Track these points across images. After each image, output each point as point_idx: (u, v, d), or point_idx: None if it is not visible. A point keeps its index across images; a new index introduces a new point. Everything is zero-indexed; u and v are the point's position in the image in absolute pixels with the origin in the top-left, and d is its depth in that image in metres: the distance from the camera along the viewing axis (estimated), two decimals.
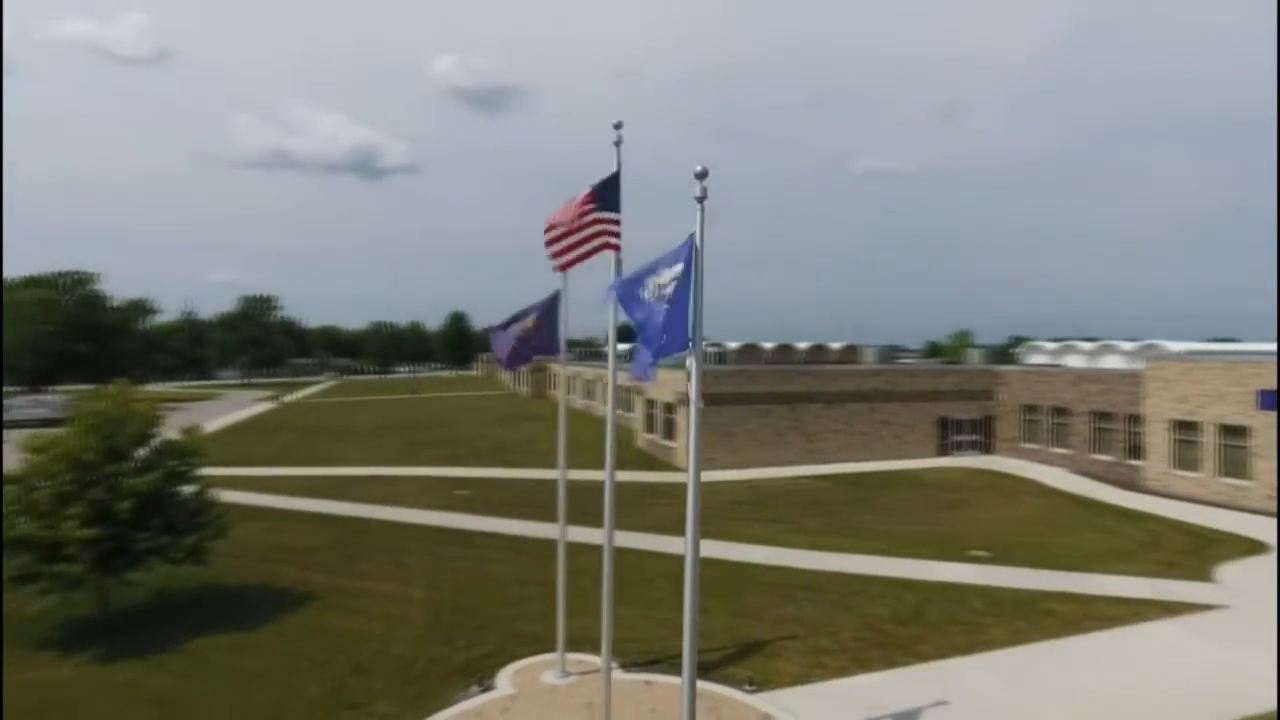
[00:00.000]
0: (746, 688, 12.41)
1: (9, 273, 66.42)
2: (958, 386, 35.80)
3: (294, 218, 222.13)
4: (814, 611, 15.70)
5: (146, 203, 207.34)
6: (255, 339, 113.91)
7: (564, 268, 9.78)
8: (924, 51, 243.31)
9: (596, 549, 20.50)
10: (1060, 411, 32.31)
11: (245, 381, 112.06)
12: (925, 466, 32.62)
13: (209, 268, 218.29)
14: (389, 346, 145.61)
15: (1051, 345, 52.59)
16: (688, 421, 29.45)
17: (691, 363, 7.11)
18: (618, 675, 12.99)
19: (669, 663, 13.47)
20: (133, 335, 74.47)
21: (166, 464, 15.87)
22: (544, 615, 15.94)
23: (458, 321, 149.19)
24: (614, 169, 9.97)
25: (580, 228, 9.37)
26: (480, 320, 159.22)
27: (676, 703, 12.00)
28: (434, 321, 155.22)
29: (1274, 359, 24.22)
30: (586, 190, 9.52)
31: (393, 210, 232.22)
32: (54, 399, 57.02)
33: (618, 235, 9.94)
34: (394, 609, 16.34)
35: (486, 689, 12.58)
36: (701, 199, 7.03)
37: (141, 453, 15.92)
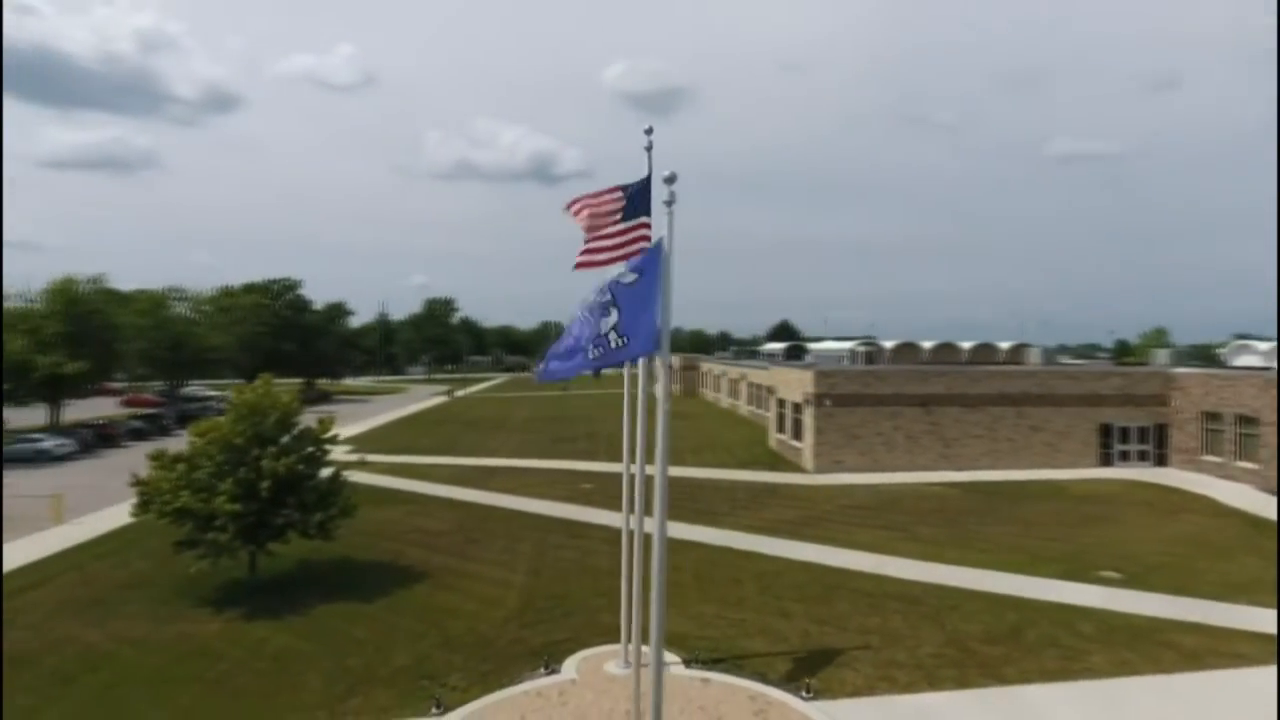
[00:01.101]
0: (803, 694, 12.21)
1: (237, 280, 76.52)
2: (1123, 390, 32.27)
3: (479, 224, 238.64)
4: (900, 623, 15.07)
5: (355, 215, 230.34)
6: (437, 337, 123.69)
7: (580, 266, 10.09)
8: (1126, 17, 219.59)
9: (698, 546, 20.91)
10: (1247, 420, 28.29)
11: (428, 377, 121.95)
12: (1079, 477, 29.78)
13: (407, 272, 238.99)
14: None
15: (1265, 345, 45.92)
16: (814, 421, 29.00)
17: (659, 366, 7.27)
18: (677, 671, 13.25)
19: (733, 662, 13.52)
20: (331, 335, 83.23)
21: (303, 449, 17.90)
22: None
23: None
24: (646, 174, 10.25)
25: (608, 235, 9.70)
26: None
27: (727, 701, 12.14)
28: None
29: None
30: (615, 195, 9.82)
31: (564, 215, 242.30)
32: None
33: (649, 239, 10.19)
34: (493, 591, 17.49)
35: (553, 672, 13.24)
36: (670, 203, 7.18)
37: (285, 439, 18.04)
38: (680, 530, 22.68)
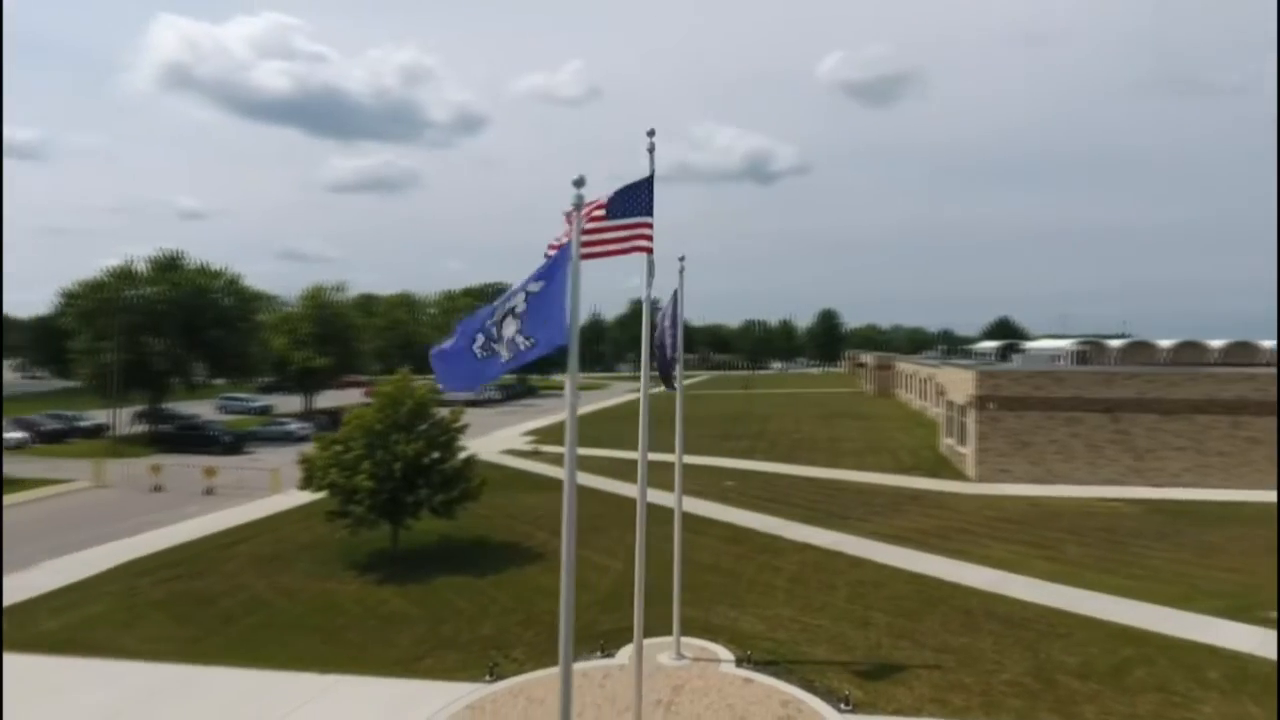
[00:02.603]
0: (841, 706, 11.79)
1: (466, 284, 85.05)
2: None
3: (696, 225, 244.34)
4: (988, 646, 13.88)
5: None
6: (640, 337, 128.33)
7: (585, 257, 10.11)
8: None
9: (809, 548, 20.45)
10: None
11: (634, 374, 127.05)
12: None
13: (627, 274, 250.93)
14: (759, 343, 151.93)
15: None
16: (977, 426, 27.23)
17: (571, 364, 7.64)
18: (726, 669, 13.37)
19: (786, 666, 13.30)
20: None
21: (433, 436, 19.95)
22: (709, 601, 16.74)
23: (827, 319, 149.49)
24: (648, 172, 10.52)
25: (590, 233, 9.96)
26: (851, 318, 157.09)
27: (759, 703, 12.08)
28: (805, 318, 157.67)
29: None
30: (600, 201, 10.11)
31: (782, 212, 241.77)
32: None
33: (650, 239, 10.44)
34: (590, 576, 18.41)
35: (608, 656, 13.87)
36: (578, 207, 7.53)
37: (423, 426, 20.22)
38: (798, 532, 22.27)
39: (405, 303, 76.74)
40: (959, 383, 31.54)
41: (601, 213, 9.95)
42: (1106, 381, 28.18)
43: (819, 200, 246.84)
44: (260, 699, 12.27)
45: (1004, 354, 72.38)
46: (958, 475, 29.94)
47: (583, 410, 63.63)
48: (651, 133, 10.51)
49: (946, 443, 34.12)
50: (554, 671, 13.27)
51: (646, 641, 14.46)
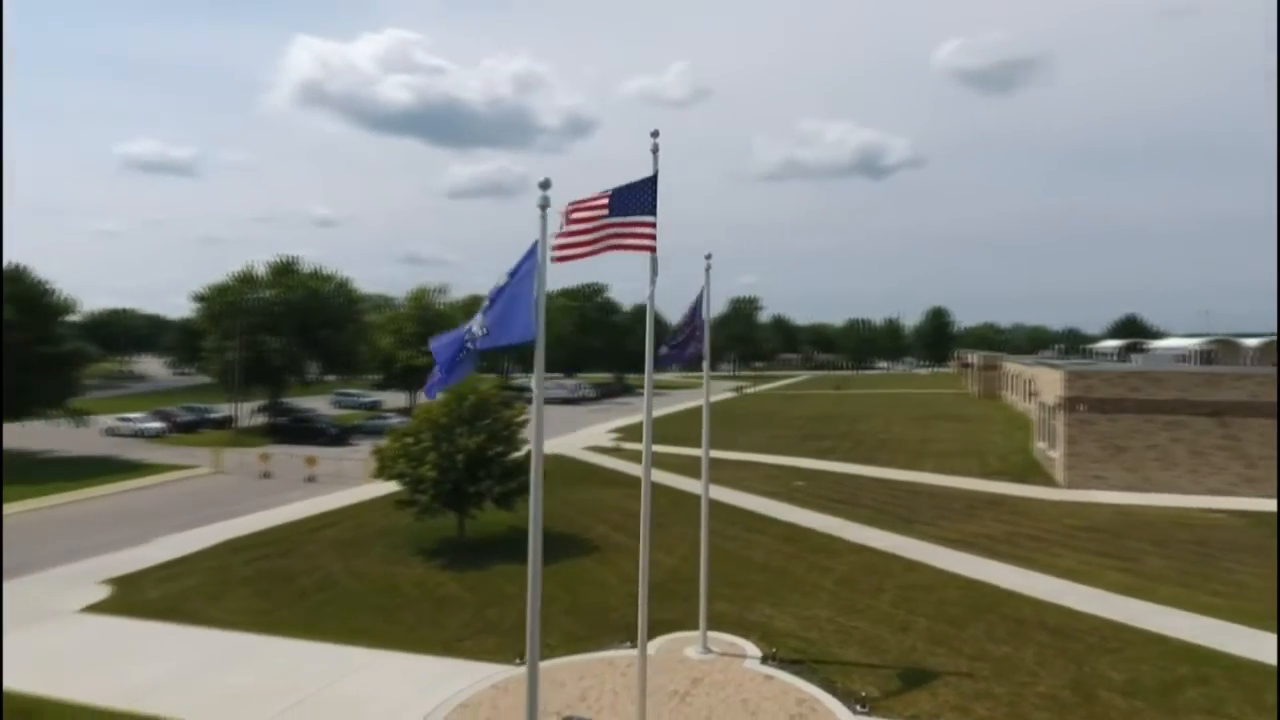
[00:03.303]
0: (857, 708, 11.67)
1: (564, 286, 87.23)
2: None
3: (805, 222, 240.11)
4: (1030, 657, 13.31)
5: (689, 220, 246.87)
6: (740, 335, 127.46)
7: (559, 260, 10.34)
8: None
9: (865, 550, 20.07)
10: None
11: (732, 374, 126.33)
12: None
13: (735, 273, 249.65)
14: (863, 343, 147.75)
15: None
16: (1066, 429, 26.05)
17: (538, 359, 8.00)
18: (749, 665, 13.43)
19: (811, 665, 13.23)
20: (638, 333, 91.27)
21: (495, 430, 20.84)
22: (749, 598, 16.83)
23: (938, 317, 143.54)
24: (652, 172, 10.78)
25: (589, 230, 10.27)
26: (968, 317, 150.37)
27: (773, 700, 12.16)
28: (918, 316, 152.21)
29: None
30: (603, 196, 10.39)
31: (895, 207, 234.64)
32: (571, 383, 73.88)
33: (652, 237, 10.68)
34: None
35: (634, 647, 14.18)
36: (544, 207, 7.90)
37: (486, 421, 21.17)
38: (858, 533, 21.87)
39: None
40: (1049, 383, 29.89)
41: (604, 211, 10.27)
42: (1212, 382, 25.98)
43: (935, 194, 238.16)
44: (309, 668, 13.33)
45: (1124, 353, 67.61)
46: (1047, 481, 28.39)
47: (673, 409, 64.08)
48: (655, 134, 10.77)
49: (1039, 446, 32.38)
50: (582, 658, 13.76)
51: (677, 635, 14.79)
